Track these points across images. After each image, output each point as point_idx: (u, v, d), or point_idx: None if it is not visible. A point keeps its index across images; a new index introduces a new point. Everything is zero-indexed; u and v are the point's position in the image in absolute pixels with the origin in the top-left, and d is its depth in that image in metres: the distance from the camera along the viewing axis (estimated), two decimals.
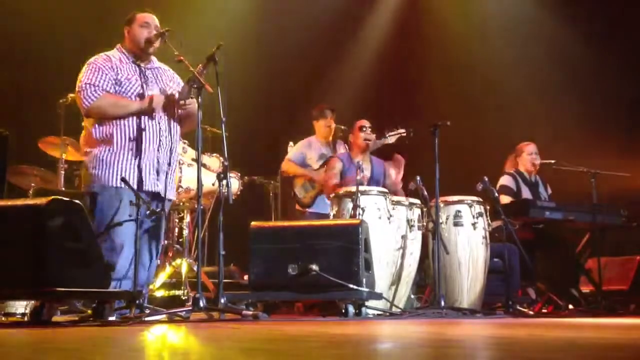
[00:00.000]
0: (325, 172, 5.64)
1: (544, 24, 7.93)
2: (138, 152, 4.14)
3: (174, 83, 4.40)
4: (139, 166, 4.13)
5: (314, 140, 6.32)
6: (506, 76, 7.89)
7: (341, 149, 6.20)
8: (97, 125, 4.16)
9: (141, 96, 4.19)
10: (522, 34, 8.00)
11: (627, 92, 7.22)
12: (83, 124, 4.29)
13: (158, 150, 4.20)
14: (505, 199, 5.71)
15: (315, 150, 6.22)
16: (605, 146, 6.71)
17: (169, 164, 4.26)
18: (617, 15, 7.40)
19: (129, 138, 4.14)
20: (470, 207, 5.24)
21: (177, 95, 4.18)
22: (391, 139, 5.67)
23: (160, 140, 4.22)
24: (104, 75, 4.16)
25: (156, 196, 4.21)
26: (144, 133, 4.16)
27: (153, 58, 4.39)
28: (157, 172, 4.20)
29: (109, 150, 4.12)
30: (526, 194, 5.95)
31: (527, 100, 7.73)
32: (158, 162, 4.21)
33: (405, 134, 5.61)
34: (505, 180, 6.01)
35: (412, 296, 5.29)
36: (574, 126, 7.20)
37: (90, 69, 4.19)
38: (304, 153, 6.24)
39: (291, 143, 6.45)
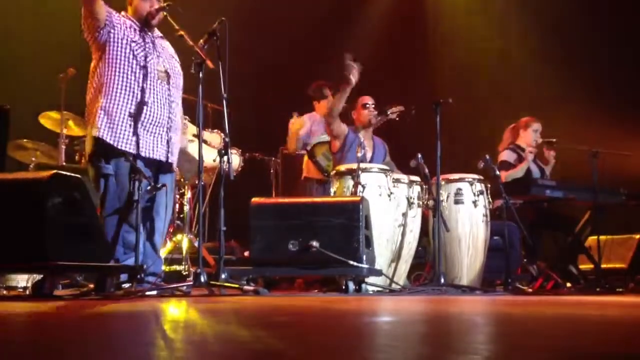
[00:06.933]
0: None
1: None
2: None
3: (175, 60, 4.36)
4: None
5: (317, 117, 6.27)
6: (509, 53, 7.84)
7: None
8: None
9: (145, 67, 4.11)
10: (525, 8, 7.93)
11: (631, 69, 7.17)
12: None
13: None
14: (504, 175, 5.63)
15: (320, 125, 6.15)
16: (607, 125, 6.68)
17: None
18: None
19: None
20: (472, 185, 5.24)
21: None
22: (392, 115, 5.61)
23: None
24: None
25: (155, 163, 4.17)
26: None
27: (156, 29, 4.34)
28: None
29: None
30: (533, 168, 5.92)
31: (529, 78, 7.68)
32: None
33: (403, 110, 5.55)
34: (505, 155, 5.92)
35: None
36: (576, 104, 7.16)
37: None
38: (309, 129, 6.20)
39: (295, 115, 6.37)
